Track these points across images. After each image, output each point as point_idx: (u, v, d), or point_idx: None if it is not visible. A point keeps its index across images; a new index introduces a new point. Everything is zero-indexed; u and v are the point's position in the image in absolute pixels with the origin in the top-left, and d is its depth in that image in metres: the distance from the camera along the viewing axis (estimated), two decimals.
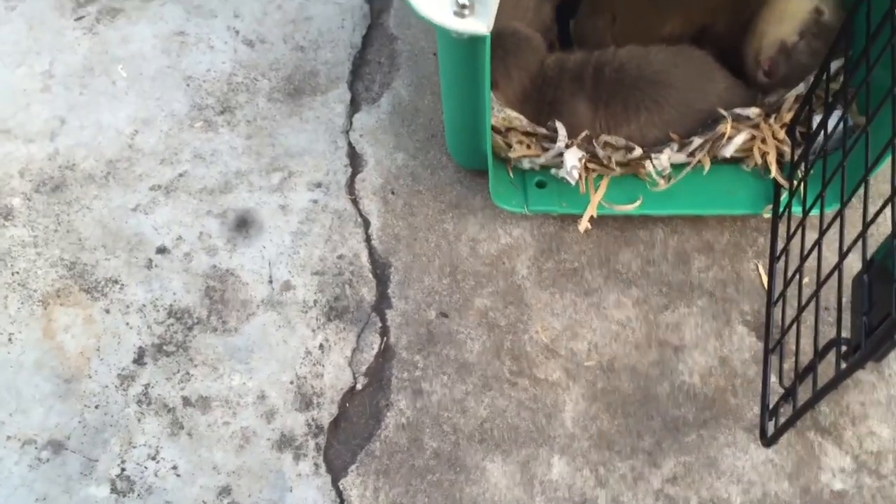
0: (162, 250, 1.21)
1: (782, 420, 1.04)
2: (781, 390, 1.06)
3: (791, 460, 1.09)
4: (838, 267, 0.95)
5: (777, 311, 1.14)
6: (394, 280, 1.20)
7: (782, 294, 1.11)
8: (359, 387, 1.13)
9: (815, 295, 0.99)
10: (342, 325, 1.17)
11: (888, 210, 0.86)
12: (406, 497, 1.06)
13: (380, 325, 1.17)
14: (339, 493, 1.06)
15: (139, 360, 1.13)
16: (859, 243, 0.91)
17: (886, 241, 0.89)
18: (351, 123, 1.34)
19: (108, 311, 1.16)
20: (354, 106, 1.36)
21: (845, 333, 0.94)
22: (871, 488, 1.08)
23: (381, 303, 1.19)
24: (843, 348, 0.96)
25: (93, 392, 1.10)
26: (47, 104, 1.34)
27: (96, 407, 1.09)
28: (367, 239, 1.24)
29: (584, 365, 1.15)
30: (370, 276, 1.21)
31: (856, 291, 0.94)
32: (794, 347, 1.05)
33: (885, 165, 1.06)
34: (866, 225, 0.89)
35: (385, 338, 1.16)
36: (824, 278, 0.97)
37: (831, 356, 0.96)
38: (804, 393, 0.98)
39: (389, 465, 1.08)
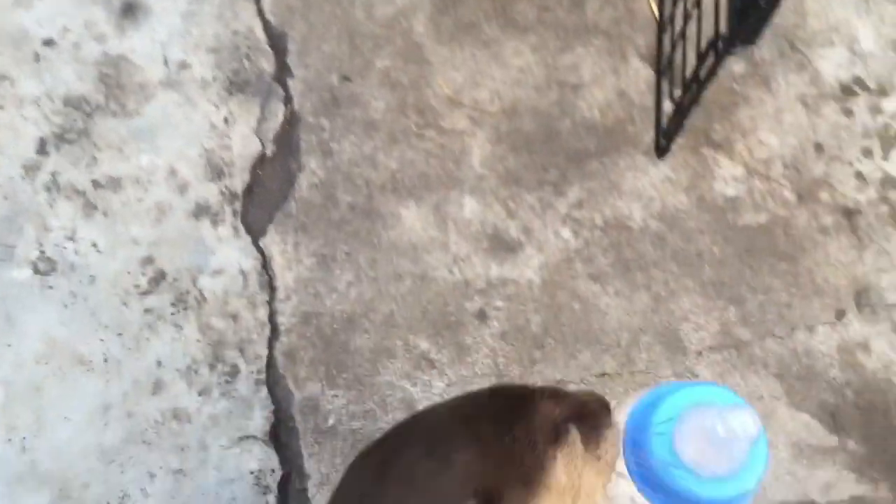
0: (48, 42, 1.17)
1: (677, 136, 1.09)
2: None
3: (687, 175, 1.16)
4: None
5: (667, 38, 1.17)
6: (292, 50, 1.20)
7: (671, 16, 1.14)
8: (268, 153, 1.14)
9: (698, 3, 1.02)
10: (244, 97, 1.16)
11: None
12: (326, 248, 1.10)
13: (282, 94, 1.17)
14: (261, 252, 1.09)
15: (42, 150, 1.12)
16: None
17: None
18: None
19: (1, 107, 1.13)
20: None
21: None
22: (761, 191, 1.16)
23: (282, 73, 1.18)
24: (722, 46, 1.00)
25: None
26: None
27: (5, 198, 1.09)
28: (260, 13, 1.21)
29: (488, 111, 1.18)
30: (267, 48, 1.19)
31: None
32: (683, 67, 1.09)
33: None
34: None
35: (289, 105, 1.17)
36: None
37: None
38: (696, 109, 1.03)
39: (307, 222, 1.11)
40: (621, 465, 0.71)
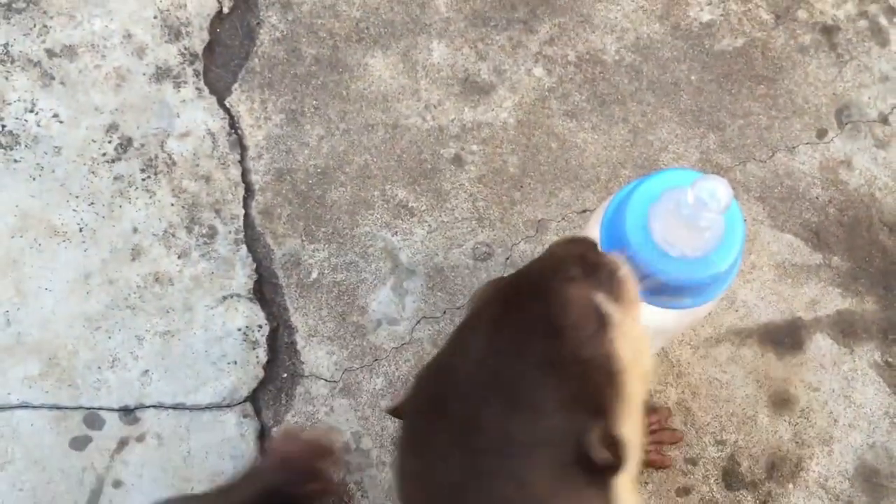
0: None
1: None
2: None
3: (660, 3, 1.12)
4: None
5: None
6: None
7: None
8: (225, 10, 1.10)
9: None
10: None
11: None
12: (294, 103, 1.07)
13: None
14: (228, 111, 1.06)
15: None
16: None
17: None
18: None
19: None
20: None
21: None
22: (737, 13, 1.12)
23: None
24: None
25: None
26: None
27: None
28: None
29: None
30: None
31: None
32: None
33: None
34: None
35: None
36: None
37: None
38: None
39: (272, 78, 1.08)
40: None
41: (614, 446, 0.52)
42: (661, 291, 0.68)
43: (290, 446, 0.83)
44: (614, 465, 0.52)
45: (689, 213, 0.60)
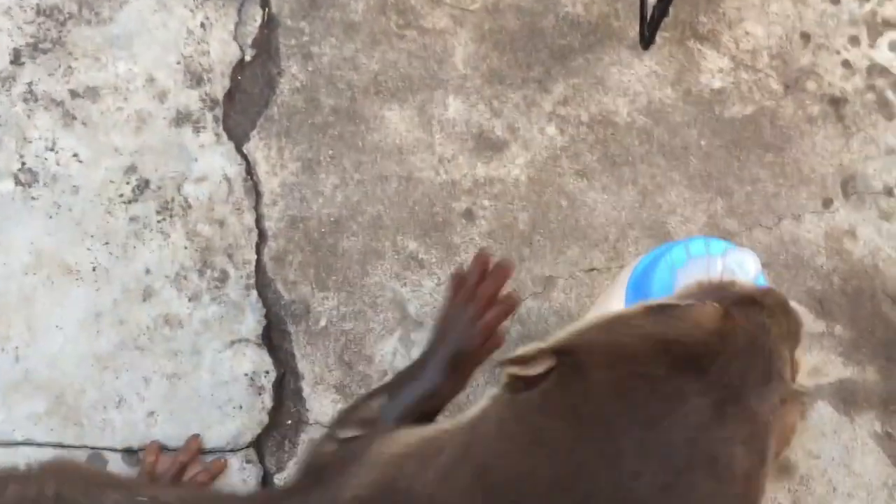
0: None
1: (661, 28, 1.08)
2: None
3: (673, 69, 1.15)
4: None
5: None
6: None
7: None
8: (247, 58, 1.12)
9: None
10: (220, 1, 1.14)
11: None
12: (310, 152, 1.09)
13: None
14: (245, 157, 1.08)
15: (16, 61, 1.09)
16: None
17: None
18: None
19: None
20: None
21: None
22: (747, 82, 1.15)
23: None
24: None
25: None
26: None
27: None
28: None
29: (470, 9, 1.16)
30: None
31: None
32: None
33: None
34: None
35: (267, 8, 1.14)
36: None
37: None
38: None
39: (290, 126, 1.10)
40: None
41: None
42: None
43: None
44: None
45: None
